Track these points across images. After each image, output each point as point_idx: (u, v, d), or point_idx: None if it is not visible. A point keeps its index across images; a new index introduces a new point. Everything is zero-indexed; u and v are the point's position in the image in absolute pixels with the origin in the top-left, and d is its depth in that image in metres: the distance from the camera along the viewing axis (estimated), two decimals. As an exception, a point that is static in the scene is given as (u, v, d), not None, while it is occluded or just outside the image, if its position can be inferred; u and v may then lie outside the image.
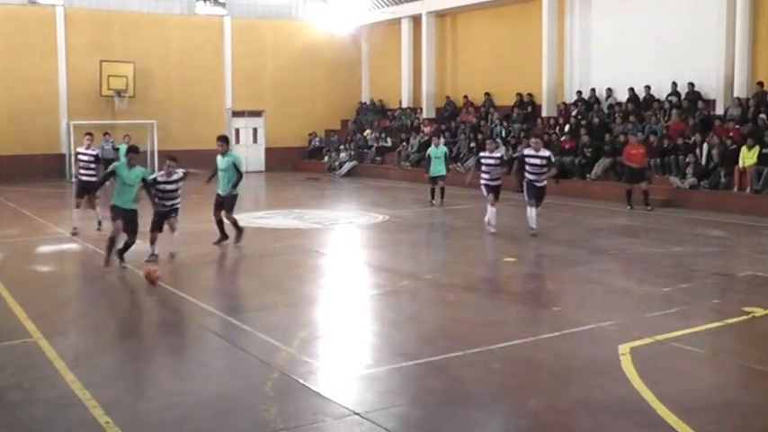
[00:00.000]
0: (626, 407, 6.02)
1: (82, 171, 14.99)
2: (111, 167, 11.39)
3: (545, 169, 14.09)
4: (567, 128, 23.55)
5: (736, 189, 18.34)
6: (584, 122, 23.01)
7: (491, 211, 14.53)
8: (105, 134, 26.44)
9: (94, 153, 15.06)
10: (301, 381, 6.51)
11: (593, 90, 24.63)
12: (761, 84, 20.50)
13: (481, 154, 15.33)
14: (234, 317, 8.77)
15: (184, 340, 8.19)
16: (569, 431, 5.67)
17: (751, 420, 5.92)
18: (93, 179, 14.57)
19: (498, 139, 24.48)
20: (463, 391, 6.42)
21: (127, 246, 11.13)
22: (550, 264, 12.31)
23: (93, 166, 14.89)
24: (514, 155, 19.91)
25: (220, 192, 13.07)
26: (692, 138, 19.99)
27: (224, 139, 13.47)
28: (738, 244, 14.46)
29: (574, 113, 24.15)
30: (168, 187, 11.88)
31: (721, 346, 8.07)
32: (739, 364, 7.45)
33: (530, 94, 26.35)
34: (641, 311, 8.98)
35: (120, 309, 9.62)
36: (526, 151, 14.52)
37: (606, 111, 23.83)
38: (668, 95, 22.43)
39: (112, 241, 11.13)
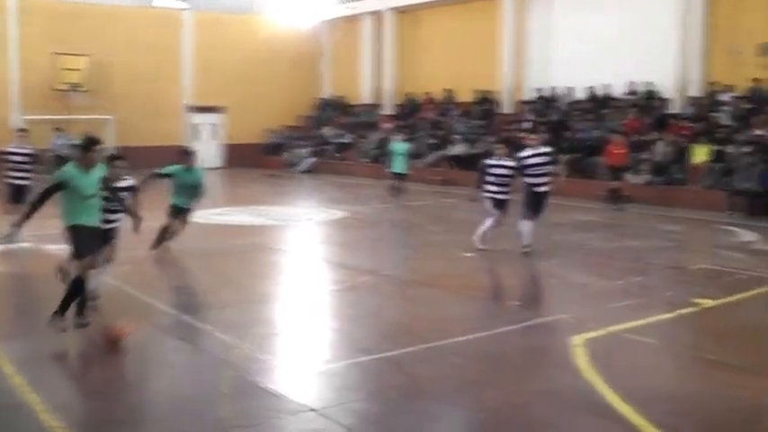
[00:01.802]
0: (581, 398, 6.07)
1: (13, 173, 12.95)
2: (57, 178, 7.72)
3: (548, 168, 12.29)
4: (526, 125, 23.71)
5: (689, 185, 18.66)
6: (543, 120, 23.24)
7: (488, 223, 12.40)
8: (57, 129, 25.88)
9: (29, 152, 13.17)
10: (258, 378, 6.44)
11: (552, 88, 24.84)
12: (714, 84, 20.97)
13: (488, 162, 12.48)
14: (190, 315, 8.67)
15: (139, 340, 8.03)
16: (526, 424, 5.69)
17: (704, 410, 6.01)
18: (28, 182, 12.98)
19: (457, 136, 24.60)
20: (421, 385, 6.40)
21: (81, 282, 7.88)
22: (509, 258, 12.34)
23: (27, 167, 13.05)
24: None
25: (182, 204, 12.08)
26: (648, 135, 20.29)
27: (192, 154, 12.32)
28: (692, 238, 14.71)
29: (529, 110, 24.39)
30: (112, 195, 8.58)
31: (674, 336, 8.20)
32: (691, 354, 7.56)
33: (490, 91, 26.49)
34: (597, 304, 9.09)
35: (71, 311, 9.39)
36: (524, 153, 12.30)
37: (565, 108, 24.06)
38: (626, 94, 22.75)
39: (79, 286, 7.81)
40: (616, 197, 18.43)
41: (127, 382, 6.76)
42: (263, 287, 10.31)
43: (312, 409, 5.73)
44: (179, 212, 12.17)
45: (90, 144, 7.88)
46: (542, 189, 12.22)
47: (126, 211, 8.74)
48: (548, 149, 12.47)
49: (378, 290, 10.22)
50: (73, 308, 7.85)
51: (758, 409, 5.99)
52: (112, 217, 8.76)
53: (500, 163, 12.25)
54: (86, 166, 7.80)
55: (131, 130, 28.20)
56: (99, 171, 7.96)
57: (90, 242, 7.87)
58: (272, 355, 7.20)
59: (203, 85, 30.73)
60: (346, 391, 6.27)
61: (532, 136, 12.72)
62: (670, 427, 5.47)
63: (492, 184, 12.25)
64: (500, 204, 12.31)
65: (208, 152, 30.97)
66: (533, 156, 12.16)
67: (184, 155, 12.25)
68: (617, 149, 18.79)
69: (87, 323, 7.87)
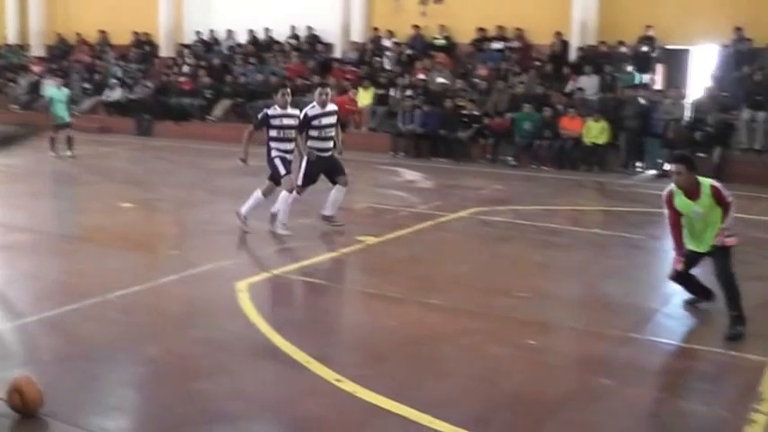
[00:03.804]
0: (246, 342, 6.31)
1: None
2: None
3: (335, 131, 10.34)
4: (185, 69, 23.48)
5: (352, 128, 19.76)
6: (204, 64, 23.13)
7: (290, 198, 10.06)
8: None
9: None
10: None
11: (212, 31, 24.68)
12: (376, 29, 22.23)
13: (270, 111, 10.10)
14: None
15: None
16: (189, 373, 5.75)
17: (363, 339, 6.59)
18: None
19: (114, 80, 23.70)
20: (81, 344, 6.26)
21: None
22: (169, 207, 12.31)
23: None
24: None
25: None
26: (312, 79, 21.01)
27: None
28: (357, 179, 15.60)
29: (189, 53, 24.14)
30: None
31: (337, 274, 8.82)
32: (353, 289, 8.22)
33: (147, 34, 25.68)
34: (261, 249, 9.44)
35: None
36: (311, 111, 10.07)
37: (226, 52, 24.07)
38: (288, 38, 23.27)
39: None
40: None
41: None
42: None
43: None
44: None
45: None
46: (328, 154, 10.32)
47: None
48: (335, 108, 10.43)
49: (34, 248, 9.68)
50: None
51: (412, 335, 6.61)
52: None
53: (287, 113, 10.09)
54: None
55: None
56: None
57: None
58: None
59: None
60: (-3, 360, 5.99)
61: (325, 90, 10.22)
62: (331, 359, 5.84)
63: (280, 140, 10.06)
64: (290, 165, 10.21)
65: None
66: (323, 115, 10.13)
67: None
68: (348, 106, 19.22)
69: None
